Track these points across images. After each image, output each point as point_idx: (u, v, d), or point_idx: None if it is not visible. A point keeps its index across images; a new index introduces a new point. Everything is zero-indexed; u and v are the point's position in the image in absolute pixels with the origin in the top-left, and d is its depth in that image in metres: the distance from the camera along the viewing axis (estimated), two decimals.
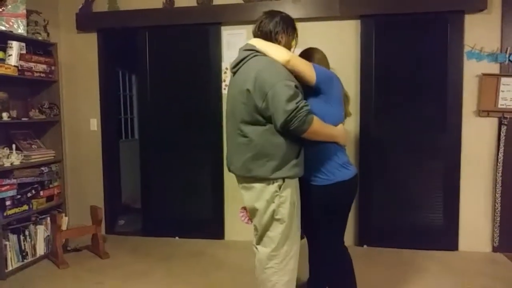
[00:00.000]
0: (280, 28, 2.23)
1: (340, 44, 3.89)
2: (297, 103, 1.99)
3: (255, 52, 2.18)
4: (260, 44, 2.20)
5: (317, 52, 2.50)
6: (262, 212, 2.23)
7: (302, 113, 1.99)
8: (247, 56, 2.20)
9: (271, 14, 2.29)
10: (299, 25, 3.89)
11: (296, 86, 2.05)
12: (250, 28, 3.97)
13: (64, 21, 4.32)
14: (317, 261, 2.63)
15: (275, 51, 2.15)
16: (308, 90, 2.19)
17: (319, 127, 2.11)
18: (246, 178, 2.25)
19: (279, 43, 2.23)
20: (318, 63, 2.31)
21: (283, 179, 2.17)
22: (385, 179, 3.89)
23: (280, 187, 2.18)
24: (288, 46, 2.27)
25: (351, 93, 3.87)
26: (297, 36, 2.34)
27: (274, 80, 2.03)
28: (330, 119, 2.20)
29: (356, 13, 3.80)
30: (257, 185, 2.22)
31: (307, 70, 2.14)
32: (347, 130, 2.37)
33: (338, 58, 3.88)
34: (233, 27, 4.02)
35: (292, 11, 3.83)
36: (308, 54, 2.44)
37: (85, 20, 4.26)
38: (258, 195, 2.23)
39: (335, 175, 2.28)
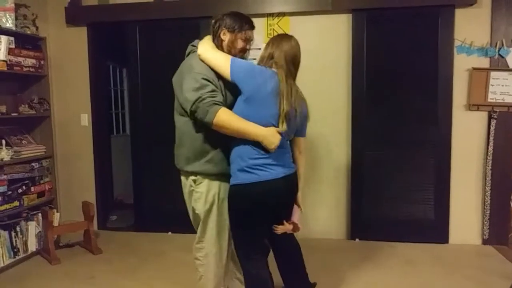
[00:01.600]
0: (223, 24, 2.26)
1: (331, 38, 3.89)
2: (201, 94, 2.04)
3: (196, 48, 2.28)
4: (200, 47, 2.24)
5: (286, 42, 2.26)
6: (188, 204, 2.41)
7: (205, 104, 2.02)
8: (190, 52, 2.33)
9: (224, 13, 2.34)
10: (292, 19, 3.92)
11: (206, 79, 2.09)
12: None
13: (53, 15, 4.27)
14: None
15: (199, 46, 2.23)
16: (237, 88, 2.13)
17: (226, 120, 2.03)
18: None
19: (221, 40, 2.26)
20: (284, 55, 2.19)
21: (197, 174, 2.24)
22: (377, 172, 3.92)
23: (195, 182, 2.27)
24: (233, 43, 2.25)
25: (343, 87, 3.90)
26: (248, 32, 2.30)
27: (186, 72, 2.15)
28: (251, 119, 2.08)
29: (348, 7, 3.80)
30: (182, 177, 2.39)
31: (220, 65, 2.12)
32: (276, 133, 2.10)
33: (329, 52, 3.90)
34: None
35: (284, 5, 3.84)
36: (277, 41, 2.26)
37: (75, 14, 4.21)
38: (183, 187, 2.40)
39: (234, 176, 2.17)
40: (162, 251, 3.76)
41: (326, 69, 3.91)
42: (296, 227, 2.41)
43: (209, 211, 2.27)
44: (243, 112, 2.09)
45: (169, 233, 4.21)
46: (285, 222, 2.33)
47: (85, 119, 4.33)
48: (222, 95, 2.15)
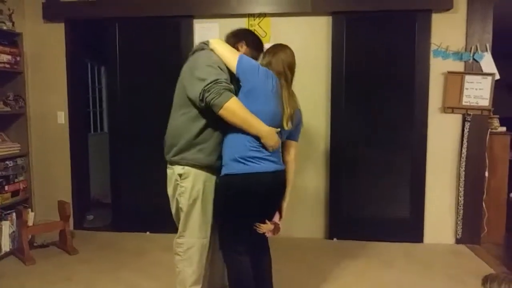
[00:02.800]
0: (243, 38, 2.42)
1: (311, 39, 3.93)
2: (219, 77, 2.11)
3: (206, 45, 2.34)
4: (213, 40, 2.34)
5: (282, 51, 2.35)
6: (171, 198, 2.45)
7: (220, 86, 2.08)
8: (199, 49, 2.36)
9: (248, 29, 2.69)
10: (273, 20, 3.94)
11: (222, 69, 2.18)
12: (223, 21, 4.02)
13: (30, 10, 4.18)
14: None
15: (212, 40, 2.34)
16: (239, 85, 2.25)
17: (237, 108, 2.10)
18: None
19: (237, 50, 2.37)
20: (282, 62, 2.31)
21: (184, 167, 2.29)
22: (354, 173, 3.98)
23: (181, 176, 2.31)
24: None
25: (322, 88, 3.94)
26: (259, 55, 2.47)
27: (201, 62, 2.20)
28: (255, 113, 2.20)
29: (328, 9, 3.85)
30: (168, 171, 2.43)
31: (229, 56, 2.23)
32: (274, 133, 2.20)
33: (309, 54, 3.93)
34: (205, 20, 3.99)
35: (264, 6, 3.86)
36: (273, 51, 2.37)
37: (52, 10, 4.13)
38: (168, 181, 2.44)
39: (226, 166, 2.24)
40: (140, 251, 3.73)
41: (306, 70, 3.93)
42: (276, 228, 2.41)
43: (192, 206, 2.31)
44: (254, 105, 2.19)
45: (147, 232, 4.18)
46: (267, 221, 2.33)
47: (62, 116, 4.25)
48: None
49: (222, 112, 2.09)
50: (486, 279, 1.78)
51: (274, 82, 2.22)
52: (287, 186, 2.41)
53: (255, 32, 2.56)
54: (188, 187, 2.30)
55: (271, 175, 2.22)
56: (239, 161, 2.18)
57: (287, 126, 2.24)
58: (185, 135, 2.27)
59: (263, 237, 2.41)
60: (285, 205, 2.46)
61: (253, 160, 2.18)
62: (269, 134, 2.16)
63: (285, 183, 2.39)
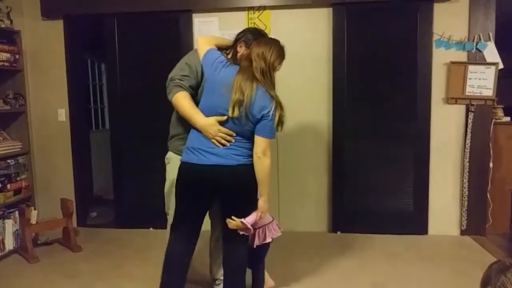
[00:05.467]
0: (242, 38, 2.45)
1: (312, 32, 3.90)
2: (174, 74, 2.38)
3: None
4: (199, 37, 2.51)
5: (258, 43, 2.30)
6: None
7: (172, 83, 2.35)
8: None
9: (248, 28, 2.62)
10: (272, 13, 3.91)
11: (188, 65, 2.38)
12: (222, 15, 3.99)
13: (28, 8, 4.15)
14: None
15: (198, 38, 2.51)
16: None
17: (179, 103, 2.32)
18: None
19: (237, 52, 2.45)
20: (253, 52, 2.25)
21: (168, 153, 2.59)
22: (357, 166, 3.95)
23: (166, 160, 2.62)
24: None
25: (323, 81, 3.91)
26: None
27: (179, 62, 2.47)
28: (202, 105, 2.30)
29: (328, 1, 3.81)
30: None
31: (201, 48, 2.37)
32: (211, 124, 2.22)
33: (310, 46, 3.90)
34: (204, 15, 3.96)
35: None
36: (256, 44, 2.31)
37: (50, 7, 4.10)
38: None
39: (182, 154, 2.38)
40: (143, 247, 3.72)
41: (307, 62, 3.92)
42: (245, 228, 2.30)
43: (170, 188, 2.53)
44: (202, 98, 2.33)
45: (151, 228, 4.17)
46: (235, 218, 2.28)
47: (63, 114, 4.24)
48: (197, 82, 2.38)
49: (173, 106, 2.38)
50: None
51: (230, 72, 2.23)
52: (247, 184, 2.28)
53: (257, 28, 2.52)
54: (169, 171, 2.57)
55: (208, 168, 2.24)
56: (186, 151, 2.33)
57: (233, 113, 2.16)
58: (173, 125, 2.58)
59: (196, 228, 2.42)
60: (262, 205, 2.30)
61: (195, 152, 2.28)
62: (204, 126, 2.24)
63: (239, 179, 2.28)
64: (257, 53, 2.24)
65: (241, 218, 2.27)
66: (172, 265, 2.43)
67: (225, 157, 2.24)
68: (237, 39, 2.46)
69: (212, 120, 2.23)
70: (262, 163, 2.23)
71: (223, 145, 2.23)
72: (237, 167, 2.25)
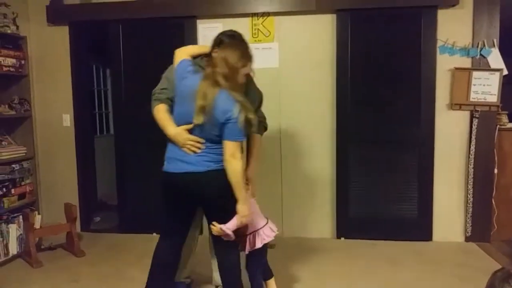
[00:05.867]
0: (216, 43, 2.39)
1: (316, 38, 3.90)
2: (156, 88, 2.49)
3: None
4: (176, 50, 2.53)
5: (223, 47, 2.29)
6: None
7: (152, 97, 2.47)
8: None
9: (223, 32, 2.49)
10: (276, 19, 3.93)
11: (167, 77, 2.49)
12: (226, 21, 4.01)
13: (34, 14, 4.19)
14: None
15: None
16: None
17: (156, 116, 2.42)
18: None
19: (213, 57, 2.35)
20: (218, 57, 2.25)
21: None
22: (361, 172, 3.94)
23: None
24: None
25: (327, 86, 3.92)
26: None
27: None
28: (174, 116, 2.36)
29: (332, 7, 3.82)
30: None
31: (175, 60, 2.43)
32: (177, 134, 2.29)
33: (313, 52, 3.91)
34: (208, 21, 3.98)
35: (268, 5, 3.84)
36: (221, 48, 2.30)
37: (56, 13, 4.14)
38: None
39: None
40: (147, 253, 3.68)
41: (311, 68, 3.92)
42: (226, 234, 2.28)
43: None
44: (174, 108, 2.38)
45: (154, 234, 4.15)
46: (215, 223, 2.28)
47: (67, 119, 4.26)
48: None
49: None
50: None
51: (196, 80, 2.24)
52: (220, 189, 2.27)
53: (233, 31, 2.44)
54: None
55: (180, 176, 2.30)
56: (166, 160, 2.40)
57: (197, 119, 2.19)
58: None
59: (180, 232, 2.51)
60: (240, 209, 2.26)
61: (171, 161, 2.36)
62: (174, 136, 2.30)
63: (211, 185, 2.28)
64: (220, 57, 2.24)
65: (221, 223, 2.27)
66: (155, 270, 2.54)
67: (196, 164, 2.27)
68: (213, 45, 2.40)
69: (180, 129, 2.28)
70: (231, 166, 2.21)
71: (194, 152, 2.26)
72: (207, 173, 2.26)
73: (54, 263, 3.52)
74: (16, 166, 3.67)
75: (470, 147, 3.77)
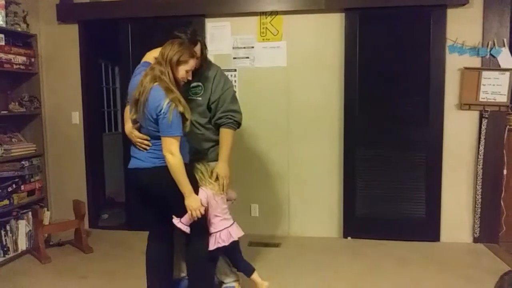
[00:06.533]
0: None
1: (324, 37, 3.89)
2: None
3: None
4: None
5: (163, 47, 2.36)
6: None
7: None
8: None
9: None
10: (285, 18, 3.92)
11: None
12: (235, 20, 4.01)
13: (44, 12, 4.23)
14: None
15: None
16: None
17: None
18: None
19: None
20: (158, 57, 2.33)
21: None
22: (369, 172, 3.93)
23: None
24: None
25: (335, 86, 3.91)
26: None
27: None
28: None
29: (341, 6, 3.80)
30: None
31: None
32: (129, 133, 2.42)
33: (322, 51, 3.90)
34: (217, 20, 3.99)
35: (276, 4, 3.83)
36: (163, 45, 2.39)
37: (66, 11, 4.18)
38: None
39: None
40: None
41: (319, 68, 3.92)
42: (180, 228, 2.35)
43: None
44: None
45: None
46: (174, 216, 2.37)
47: (76, 117, 4.29)
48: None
49: None
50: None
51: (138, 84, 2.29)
52: (166, 185, 2.28)
53: (191, 29, 2.55)
54: None
55: (133, 171, 2.39)
56: None
57: (132, 114, 2.31)
58: None
59: (161, 229, 2.54)
60: (187, 203, 2.29)
61: (131, 158, 2.44)
62: (127, 134, 2.42)
63: (156, 181, 2.31)
64: (160, 53, 2.31)
65: (178, 217, 2.34)
66: (149, 270, 2.60)
67: (144, 160, 2.34)
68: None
69: (130, 128, 2.39)
70: (169, 162, 2.23)
71: (145, 149, 2.33)
72: (153, 169, 2.31)
73: (62, 259, 3.56)
74: (25, 163, 3.71)
75: (479, 147, 3.74)
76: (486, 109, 3.71)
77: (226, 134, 2.62)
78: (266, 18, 3.92)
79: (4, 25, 3.51)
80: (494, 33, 3.67)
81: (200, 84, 2.60)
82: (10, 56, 3.55)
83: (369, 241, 3.87)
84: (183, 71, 2.31)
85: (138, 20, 4.10)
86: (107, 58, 5.50)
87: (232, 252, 2.58)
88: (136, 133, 2.36)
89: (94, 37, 4.41)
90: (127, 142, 4.23)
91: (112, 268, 3.36)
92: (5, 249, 3.49)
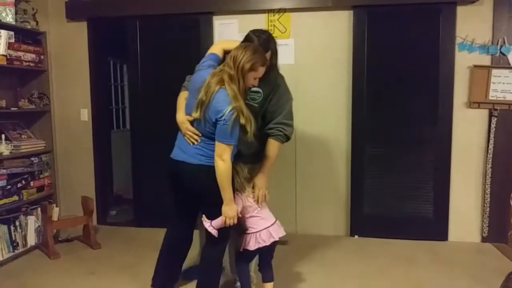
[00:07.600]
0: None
1: (332, 34, 3.88)
2: (187, 77, 2.65)
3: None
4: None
5: (235, 50, 2.28)
6: None
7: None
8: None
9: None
10: (292, 15, 3.91)
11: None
12: (242, 17, 4.01)
13: (53, 10, 4.25)
14: None
15: None
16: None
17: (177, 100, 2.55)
18: None
19: None
20: (228, 60, 2.26)
21: None
22: (376, 170, 3.91)
23: None
24: None
25: (343, 84, 3.89)
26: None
27: None
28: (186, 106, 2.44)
29: (349, 4, 3.78)
30: None
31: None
32: (181, 122, 2.42)
33: (330, 49, 3.89)
34: (224, 17, 3.99)
35: (284, 1, 3.83)
36: (236, 48, 2.32)
37: (75, 9, 4.20)
38: None
39: None
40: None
41: (327, 65, 3.90)
42: (210, 231, 2.34)
43: None
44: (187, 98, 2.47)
45: None
46: (204, 218, 2.37)
47: (85, 114, 4.32)
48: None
49: None
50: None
51: (204, 74, 2.30)
52: (206, 185, 2.29)
53: (261, 30, 2.53)
54: None
55: (176, 163, 2.40)
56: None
57: (194, 113, 2.27)
58: None
59: (185, 219, 2.62)
60: (224, 210, 2.28)
61: (176, 147, 2.46)
62: (178, 123, 2.42)
63: (198, 179, 2.32)
64: (231, 56, 2.24)
65: (210, 218, 2.34)
66: (161, 257, 2.73)
67: (191, 155, 2.33)
68: (242, 41, 2.45)
69: (183, 118, 2.39)
70: (219, 167, 2.22)
71: (193, 143, 2.33)
72: (198, 167, 2.31)
73: (71, 255, 3.59)
74: (35, 159, 3.74)
75: (488, 146, 3.71)
76: (496, 107, 3.67)
77: (272, 146, 2.57)
78: (274, 15, 3.92)
79: (13, 23, 3.53)
80: (504, 31, 3.63)
81: (260, 91, 2.51)
82: (20, 54, 3.58)
83: (377, 239, 3.87)
84: (251, 79, 2.27)
85: (147, 18, 4.11)
86: (116, 55, 5.53)
87: (267, 251, 2.53)
88: (188, 125, 2.34)
89: (102, 35, 4.43)
90: (136, 139, 4.31)
91: (120, 264, 3.39)
92: (14, 244, 3.53)
